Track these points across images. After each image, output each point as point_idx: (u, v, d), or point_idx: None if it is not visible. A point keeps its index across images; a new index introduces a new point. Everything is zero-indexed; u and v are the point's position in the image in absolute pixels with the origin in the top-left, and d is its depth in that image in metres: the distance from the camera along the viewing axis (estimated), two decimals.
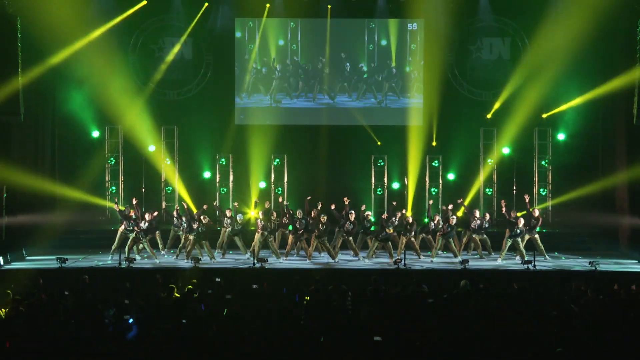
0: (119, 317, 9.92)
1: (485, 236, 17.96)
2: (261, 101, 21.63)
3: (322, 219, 17.34)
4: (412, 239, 17.56)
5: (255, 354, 8.47)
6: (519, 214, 17.70)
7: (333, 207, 17.94)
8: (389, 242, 17.41)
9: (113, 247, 17.40)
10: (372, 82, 21.48)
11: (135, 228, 17.12)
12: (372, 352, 8.56)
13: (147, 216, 17.49)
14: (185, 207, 18.27)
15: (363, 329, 9.27)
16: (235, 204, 19.36)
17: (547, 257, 17.41)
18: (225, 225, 17.98)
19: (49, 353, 8.38)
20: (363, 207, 18.20)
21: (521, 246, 17.05)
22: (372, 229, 18.11)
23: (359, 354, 8.52)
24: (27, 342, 8.70)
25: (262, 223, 17.57)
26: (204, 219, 17.29)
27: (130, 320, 9.82)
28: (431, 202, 18.92)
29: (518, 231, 17.01)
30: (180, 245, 17.85)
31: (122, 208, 17.76)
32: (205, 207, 17.98)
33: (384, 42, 21.44)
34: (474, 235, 17.85)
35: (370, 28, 21.43)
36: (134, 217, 17.36)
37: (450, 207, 18.32)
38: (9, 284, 12.58)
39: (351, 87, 21.50)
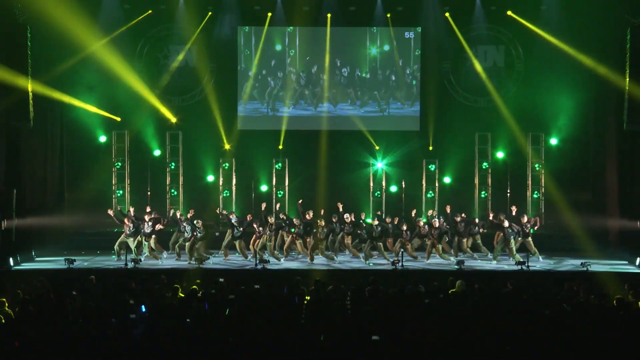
0: (125, 316, 9.91)
1: (479, 241, 17.96)
2: (260, 109, 21.60)
3: (320, 223, 17.31)
4: (407, 244, 17.50)
5: (257, 352, 8.45)
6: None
7: (322, 212, 18.02)
8: (380, 244, 17.35)
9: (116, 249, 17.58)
10: (374, 89, 21.45)
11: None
12: (371, 351, 8.54)
13: (146, 217, 17.49)
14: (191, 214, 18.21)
15: (362, 328, 9.25)
16: (224, 211, 19.05)
17: (540, 258, 17.42)
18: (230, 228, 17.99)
19: (57, 352, 8.36)
20: (340, 206, 18.19)
21: (514, 251, 17.06)
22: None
23: (358, 352, 8.49)
24: (36, 341, 8.68)
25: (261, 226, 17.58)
26: (198, 223, 17.31)
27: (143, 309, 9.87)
28: (414, 211, 18.78)
29: (509, 230, 17.09)
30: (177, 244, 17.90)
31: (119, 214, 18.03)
32: (192, 212, 18.02)
33: (386, 47, 21.41)
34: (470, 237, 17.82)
35: (372, 33, 21.37)
36: (129, 222, 17.46)
37: (430, 212, 18.87)
38: (18, 285, 12.58)
39: (356, 95, 21.46)
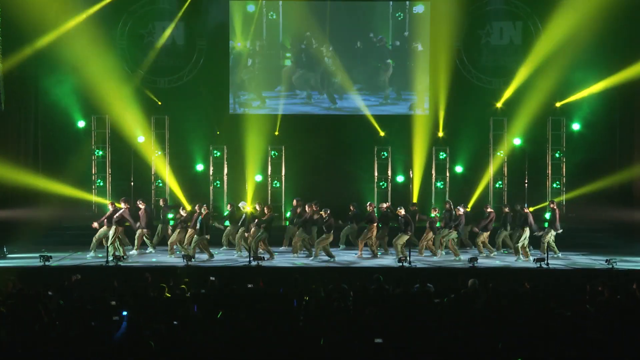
0: (106, 318, 9.90)
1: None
2: (255, 99, 21.56)
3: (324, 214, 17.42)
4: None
5: (251, 357, 8.45)
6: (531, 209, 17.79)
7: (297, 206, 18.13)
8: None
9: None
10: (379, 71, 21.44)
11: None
12: (375, 355, 8.53)
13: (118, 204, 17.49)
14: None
15: (365, 331, 9.24)
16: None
17: (559, 254, 17.48)
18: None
19: (31, 357, 8.36)
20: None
21: (549, 240, 17.15)
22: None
23: (361, 357, 8.49)
24: (9, 344, 8.67)
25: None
26: (183, 211, 17.41)
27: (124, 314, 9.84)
28: (415, 207, 18.84)
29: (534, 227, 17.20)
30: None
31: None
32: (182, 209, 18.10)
33: (392, 23, 21.33)
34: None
35: (377, 8, 21.33)
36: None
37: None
38: None
39: (372, 87, 21.42)
